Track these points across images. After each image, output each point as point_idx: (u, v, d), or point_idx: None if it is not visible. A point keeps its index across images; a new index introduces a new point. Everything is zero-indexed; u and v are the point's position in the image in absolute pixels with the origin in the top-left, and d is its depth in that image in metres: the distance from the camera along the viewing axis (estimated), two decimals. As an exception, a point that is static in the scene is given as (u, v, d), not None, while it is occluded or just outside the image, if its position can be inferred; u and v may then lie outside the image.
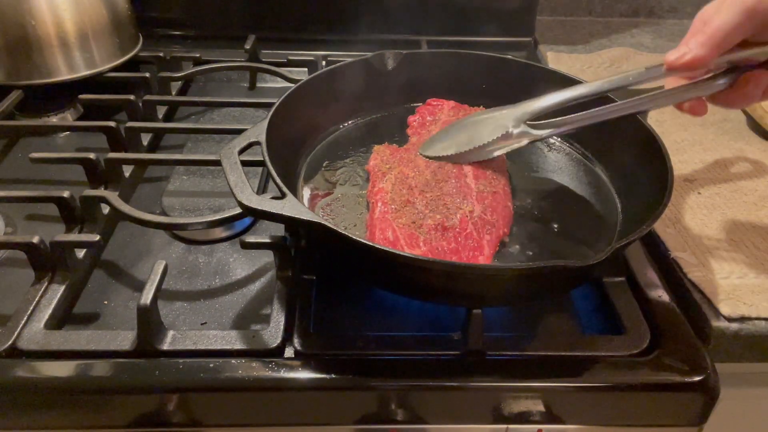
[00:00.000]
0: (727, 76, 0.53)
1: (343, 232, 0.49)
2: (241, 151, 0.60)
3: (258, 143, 0.61)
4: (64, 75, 0.88)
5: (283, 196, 0.54)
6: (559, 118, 0.64)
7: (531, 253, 0.61)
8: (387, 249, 0.50)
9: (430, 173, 0.65)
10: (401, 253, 0.50)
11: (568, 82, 0.76)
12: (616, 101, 0.63)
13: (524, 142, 0.64)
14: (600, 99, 0.62)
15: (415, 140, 0.72)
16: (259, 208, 0.53)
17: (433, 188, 0.63)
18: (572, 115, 0.63)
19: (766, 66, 0.52)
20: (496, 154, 0.66)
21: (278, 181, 0.55)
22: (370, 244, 0.50)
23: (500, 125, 0.65)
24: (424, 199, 0.61)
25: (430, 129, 0.73)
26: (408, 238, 0.58)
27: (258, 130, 0.62)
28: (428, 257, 0.55)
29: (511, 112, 0.65)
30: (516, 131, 0.64)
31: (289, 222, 0.53)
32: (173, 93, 0.95)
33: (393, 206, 0.60)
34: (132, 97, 0.85)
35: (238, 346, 0.54)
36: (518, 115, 0.64)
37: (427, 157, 0.68)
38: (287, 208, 0.52)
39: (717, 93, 0.54)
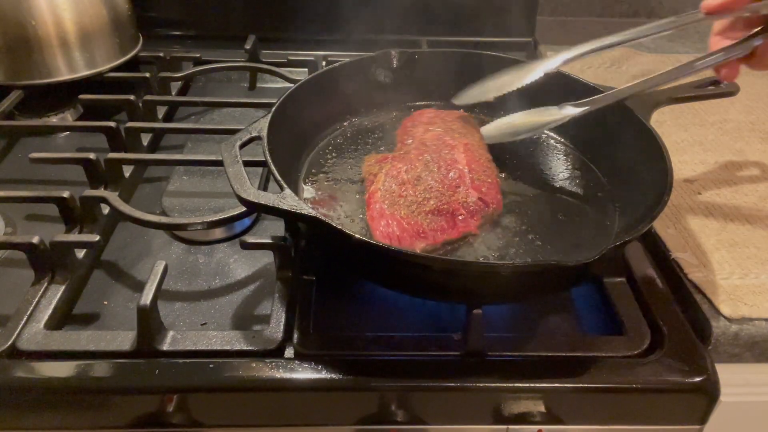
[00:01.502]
0: (756, 39, 0.57)
1: (338, 227, 0.50)
2: (242, 146, 0.60)
3: (259, 138, 0.61)
4: (64, 75, 0.88)
5: (281, 190, 0.54)
6: (597, 96, 0.67)
7: (528, 252, 0.61)
8: (379, 243, 0.50)
9: (422, 165, 0.65)
10: (393, 248, 0.50)
11: (569, 81, 0.76)
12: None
13: (566, 119, 0.67)
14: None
15: (399, 146, 0.72)
16: (257, 200, 0.53)
17: (427, 179, 0.63)
18: (611, 92, 0.67)
19: None
20: (534, 133, 0.70)
21: (277, 175, 0.55)
22: (364, 239, 0.50)
23: (533, 73, 0.67)
24: (417, 191, 0.62)
25: (412, 131, 0.73)
26: (410, 227, 0.58)
27: (260, 125, 0.62)
28: (420, 253, 0.56)
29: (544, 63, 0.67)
30: (560, 110, 0.67)
31: (286, 216, 0.53)
32: (173, 93, 0.95)
33: (387, 202, 0.61)
34: (132, 97, 0.85)
35: (238, 346, 0.54)
36: (549, 64, 0.67)
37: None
38: (284, 201, 0.52)
39: (749, 57, 0.58)
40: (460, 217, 0.61)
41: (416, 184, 0.62)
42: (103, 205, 0.67)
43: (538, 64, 0.67)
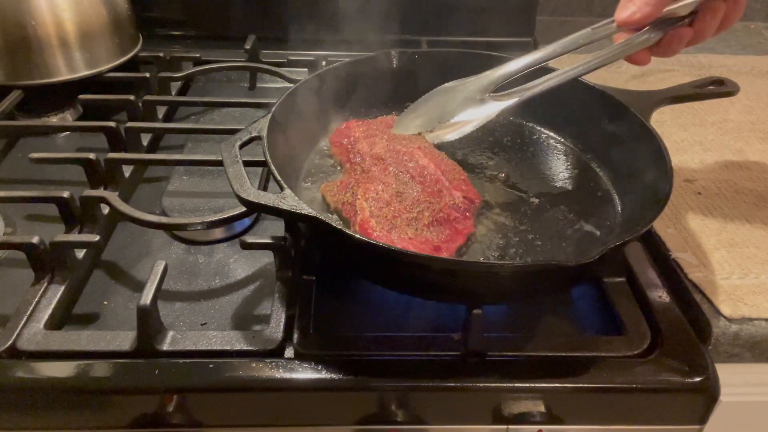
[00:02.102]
0: (659, 31, 0.60)
1: (338, 227, 0.50)
2: (242, 146, 0.60)
3: (259, 138, 0.61)
4: (64, 75, 0.88)
5: (281, 190, 0.54)
6: (521, 86, 0.66)
7: (528, 252, 0.61)
8: (380, 243, 0.50)
9: (394, 180, 0.63)
10: (393, 248, 0.50)
11: (571, 81, 0.76)
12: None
13: (493, 114, 0.66)
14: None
15: (348, 166, 0.69)
16: (256, 200, 0.53)
17: (408, 192, 0.62)
18: (534, 81, 0.66)
19: (689, 23, 0.59)
20: (469, 129, 0.67)
21: (277, 175, 0.55)
22: (365, 238, 0.50)
23: (469, 98, 0.67)
24: (406, 207, 0.61)
25: (355, 148, 0.71)
26: (425, 246, 0.58)
27: (260, 125, 0.62)
28: (419, 252, 0.55)
29: (477, 83, 0.67)
30: (484, 104, 0.66)
31: (286, 216, 0.53)
32: (173, 93, 0.95)
33: (387, 227, 0.59)
34: (132, 97, 0.85)
35: (238, 346, 0.54)
36: (484, 85, 0.66)
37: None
38: (284, 201, 0.52)
39: (652, 45, 0.61)
40: (456, 220, 0.61)
41: (401, 200, 0.61)
42: (103, 205, 0.67)
43: (492, 106, 0.66)
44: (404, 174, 0.64)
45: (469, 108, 0.66)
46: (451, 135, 0.68)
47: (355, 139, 0.71)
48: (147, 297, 0.52)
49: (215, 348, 0.54)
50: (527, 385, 0.53)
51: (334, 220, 0.51)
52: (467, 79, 0.68)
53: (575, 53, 0.65)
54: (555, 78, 0.66)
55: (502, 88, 0.67)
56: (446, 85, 0.70)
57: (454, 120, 0.67)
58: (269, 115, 0.63)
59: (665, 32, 0.59)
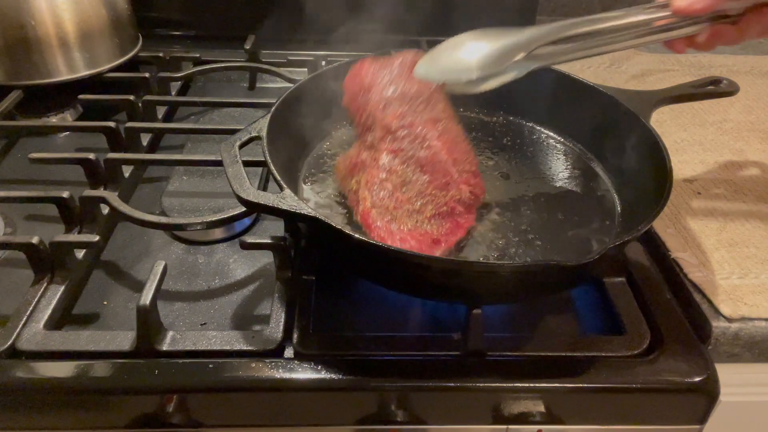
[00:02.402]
0: (702, 25, 0.58)
1: (338, 227, 0.50)
2: (242, 146, 0.60)
3: (259, 138, 0.61)
4: (64, 75, 0.88)
5: (281, 190, 0.54)
6: (560, 48, 0.62)
7: (528, 252, 0.61)
8: (379, 243, 0.50)
9: (400, 165, 0.61)
10: (393, 248, 0.50)
11: (571, 81, 0.76)
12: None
13: (511, 75, 0.60)
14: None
15: (360, 130, 0.65)
16: (256, 200, 0.53)
17: (414, 182, 0.61)
18: (573, 44, 0.62)
19: (732, 22, 0.58)
20: (496, 85, 0.60)
21: (276, 175, 0.55)
22: (365, 239, 0.50)
23: (505, 54, 0.60)
24: (408, 197, 0.60)
25: (367, 108, 0.65)
26: (423, 238, 0.58)
27: (259, 125, 0.62)
28: (419, 252, 0.55)
29: (517, 39, 0.61)
30: (518, 64, 0.60)
31: (286, 216, 0.53)
32: (173, 93, 0.95)
33: (387, 218, 0.59)
34: (132, 97, 0.85)
35: (238, 346, 0.54)
36: (525, 42, 0.60)
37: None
38: (284, 201, 0.52)
39: (693, 37, 0.59)
40: (458, 214, 0.61)
41: (406, 190, 0.60)
42: (102, 205, 0.67)
43: (525, 64, 0.60)
44: (413, 162, 0.61)
45: (503, 64, 0.59)
46: (477, 89, 0.61)
47: (367, 92, 0.65)
48: (147, 297, 0.52)
49: (215, 348, 0.54)
50: (527, 385, 0.53)
51: (333, 221, 0.51)
52: (508, 31, 0.62)
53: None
54: (596, 48, 0.61)
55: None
56: (480, 31, 0.63)
57: (483, 75, 0.59)
58: (269, 115, 0.63)
59: (709, 26, 0.58)
